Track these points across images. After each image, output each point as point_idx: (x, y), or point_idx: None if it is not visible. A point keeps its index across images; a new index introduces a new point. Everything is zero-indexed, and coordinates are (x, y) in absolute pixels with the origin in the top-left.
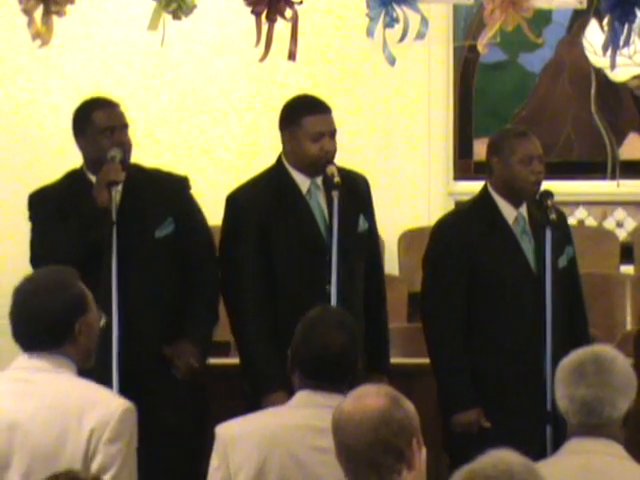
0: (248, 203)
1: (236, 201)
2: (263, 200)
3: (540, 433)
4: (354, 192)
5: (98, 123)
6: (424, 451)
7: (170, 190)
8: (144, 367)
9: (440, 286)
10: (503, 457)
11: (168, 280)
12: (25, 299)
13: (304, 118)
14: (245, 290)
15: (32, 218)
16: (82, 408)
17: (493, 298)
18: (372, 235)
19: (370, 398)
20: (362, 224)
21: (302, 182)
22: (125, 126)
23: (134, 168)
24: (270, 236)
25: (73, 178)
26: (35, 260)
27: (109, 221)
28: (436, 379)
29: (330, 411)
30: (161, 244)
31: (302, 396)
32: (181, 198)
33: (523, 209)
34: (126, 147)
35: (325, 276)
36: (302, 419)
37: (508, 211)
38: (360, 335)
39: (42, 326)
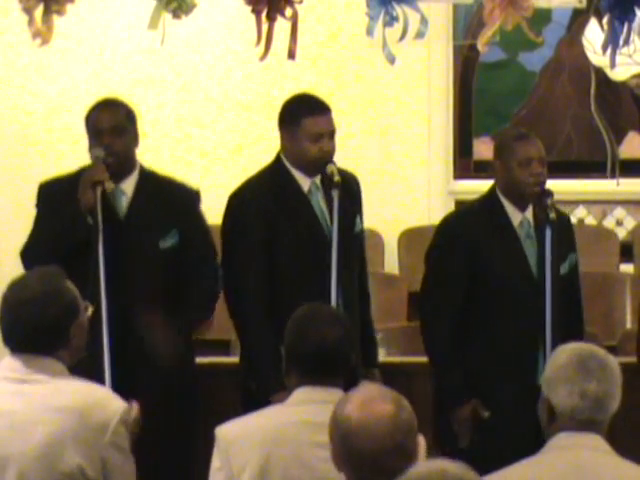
0: (252, 201)
1: (239, 199)
2: (266, 198)
3: (533, 435)
4: (349, 193)
5: (91, 124)
6: (422, 439)
7: (179, 201)
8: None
9: (440, 285)
10: (438, 463)
11: (166, 291)
12: (18, 309)
13: (304, 119)
14: (249, 289)
15: (37, 207)
16: (82, 409)
17: (493, 300)
18: (362, 235)
19: (378, 403)
20: (358, 224)
21: (303, 181)
22: (113, 130)
23: (147, 174)
24: (273, 234)
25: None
26: (23, 249)
27: (94, 223)
28: (433, 376)
29: (330, 407)
30: (165, 255)
31: (300, 393)
32: (189, 211)
33: (528, 213)
34: (114, 152)
35: (328, 275)
36: (302, 416)
37: (514, 214)
38: (353, 330)
39: (37, 334)
